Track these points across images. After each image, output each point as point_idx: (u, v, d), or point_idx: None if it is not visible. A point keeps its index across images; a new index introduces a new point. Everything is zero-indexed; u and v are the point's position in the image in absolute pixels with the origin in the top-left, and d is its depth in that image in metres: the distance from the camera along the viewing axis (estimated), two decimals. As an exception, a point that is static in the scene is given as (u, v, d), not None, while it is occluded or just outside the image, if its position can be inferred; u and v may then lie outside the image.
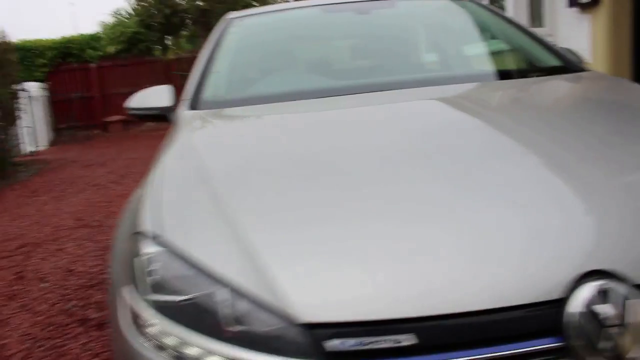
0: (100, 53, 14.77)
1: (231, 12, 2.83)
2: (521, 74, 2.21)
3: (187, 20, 14.00)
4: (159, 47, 14.81)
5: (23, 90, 12.68)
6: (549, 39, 5.47)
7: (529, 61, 2.35)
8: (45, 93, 13.90)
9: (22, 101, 10.62)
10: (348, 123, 1.69)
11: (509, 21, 2.50)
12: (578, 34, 5.40)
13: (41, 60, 14.80)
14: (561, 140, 1.37)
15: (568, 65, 2.13)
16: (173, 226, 1.16)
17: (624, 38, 5.01)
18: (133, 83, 10.39)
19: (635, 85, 1.93)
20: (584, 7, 5.23)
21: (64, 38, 15.03)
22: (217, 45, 2.43)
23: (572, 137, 1.39)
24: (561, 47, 2.44)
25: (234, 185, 1.30)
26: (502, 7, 6.11)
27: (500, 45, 2.50)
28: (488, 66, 2.33)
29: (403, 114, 1.73)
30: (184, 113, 1.99)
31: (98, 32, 15.14)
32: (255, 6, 13.57)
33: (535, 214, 1.06)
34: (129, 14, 14.80)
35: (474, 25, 2.65)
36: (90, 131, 13.97)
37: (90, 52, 14.95)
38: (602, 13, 5.03)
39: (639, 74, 5.05)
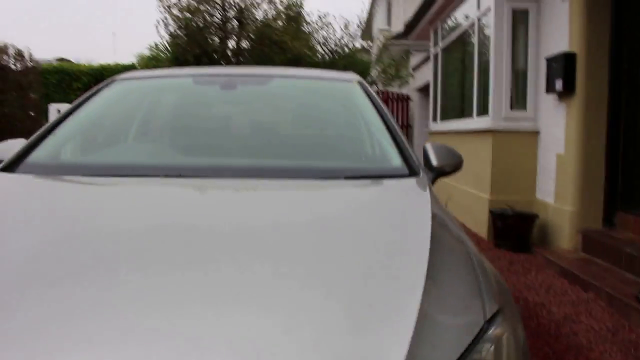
0: (133, 84, 15.27)
1: (127, 72, 2.83)
2: (345, 173, 1.98)
3: (220, 61, 14.41)
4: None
5: (58, 110, 13.25)
6: (528, 124, 5.46)
7: (372, 161, 2.27)
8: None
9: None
10: (125, 209, 1.61)
11: (381, 113, 2.39)
12: (556, 121, 5.29)
13: (77, 84, 15.45)
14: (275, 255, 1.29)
15: (409, 170, 2.02)
16: None
17: (597, 129, 4.88)
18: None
19: (425, 212, 1.63)
20: (561, 95, 5.12)
21: (100, 65, 15.66)
22: (79, 105, 2.42)
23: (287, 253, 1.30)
24: (437, 145, 2.37)
25: None
26: (486, 88, 6.03)
27: (353, 139, 2.44)
28: (315, 161, 2.16)
29: (176, 205, 1.65)
30: None
31: (133, 63, 15.69)
32: (311, 59, 13.75)
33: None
34: (167, 50, 15.30)
35: (342, 112, 2.59)
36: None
37: (123, 81, 15.50)
38: (576, 103, 4.92)
39: (614, 170, 4.88)
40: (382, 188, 1.90)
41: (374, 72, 14.99)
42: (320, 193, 1.84)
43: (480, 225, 6.04)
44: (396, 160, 2.10)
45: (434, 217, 1.56)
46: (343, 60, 14.41)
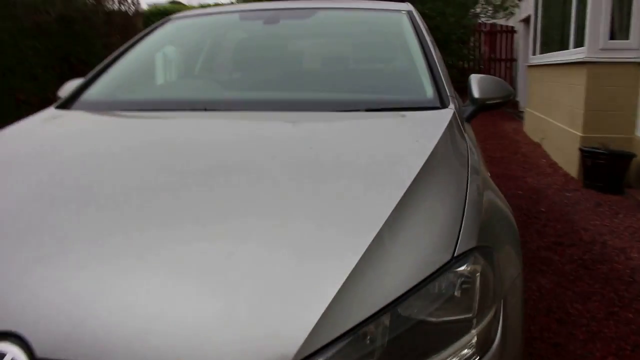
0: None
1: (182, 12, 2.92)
2: (367, 105, 1.95)
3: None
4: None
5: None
6: (630, 54, 4.95)
7: (401, 92, 2.16)
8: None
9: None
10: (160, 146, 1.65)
11: (423, 44, 2.31)
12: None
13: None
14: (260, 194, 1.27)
15: (440, 102, 1.95)
16: None
17: None
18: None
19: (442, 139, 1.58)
20: (669, 21, 4.58)
21: (199, 5, 16.03)
22: (134, 44, 2.55)
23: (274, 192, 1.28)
24: (482, 77, 2.25)
25: None
26: (585, 17, 5.50)
27: (388, 70, 2.39)
28: (342, 93, 2.14)
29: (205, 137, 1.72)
30: (45, 111, 2.10)
31: (232, 1, 15.93)
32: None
33: None
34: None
35: (382, 43, 2.53)
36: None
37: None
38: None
39: None
40: (398, 119, 1.86)
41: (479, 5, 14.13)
42: (330, 124, 1.83)
43: (571, 164, 5.68)
44: (428, 92, 2.03)
45: (440, 147, 1.51)
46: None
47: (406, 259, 1.07)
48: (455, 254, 1.10)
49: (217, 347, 0.89)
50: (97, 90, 2.27)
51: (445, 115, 1.82)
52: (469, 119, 2.19)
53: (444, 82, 2.07)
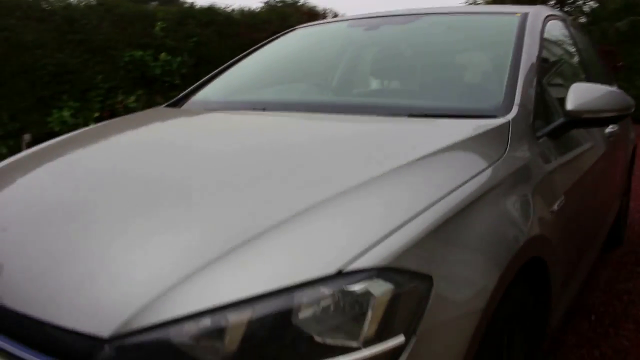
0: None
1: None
2: (410, 111, 1.85)
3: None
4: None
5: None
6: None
7: (465, 99, 1.99)
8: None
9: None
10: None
11: (518, 49, 2.00)
12: None
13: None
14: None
15: (494, 112, 1.72)
16: None
17: None
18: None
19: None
20: None
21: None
22: (255, 50, 2.80)
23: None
24: (592, 86, 1.89)
25: None
26: None
27: (465, 76, 2.31)
28: (397, 99, 2.19)
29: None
30: (156, 108, 2.52)
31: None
32: None
33: None
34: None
35: (475, 48, 2.42)
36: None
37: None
38: None
39: None
40: (426, 126, 1.75)
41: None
42: (345, 126, 1.84)
43: None
44: (494, 102, 1.79)
45: (432, 157, 1.41)
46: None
47: (291, 261, 1.05)
48: (338, 269, 1.01)
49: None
50: (206, 91, 2.53)
51: (485, 125, 1.62)
52: (552, 135, 1.84)
53: (518, 91, 1.80)
